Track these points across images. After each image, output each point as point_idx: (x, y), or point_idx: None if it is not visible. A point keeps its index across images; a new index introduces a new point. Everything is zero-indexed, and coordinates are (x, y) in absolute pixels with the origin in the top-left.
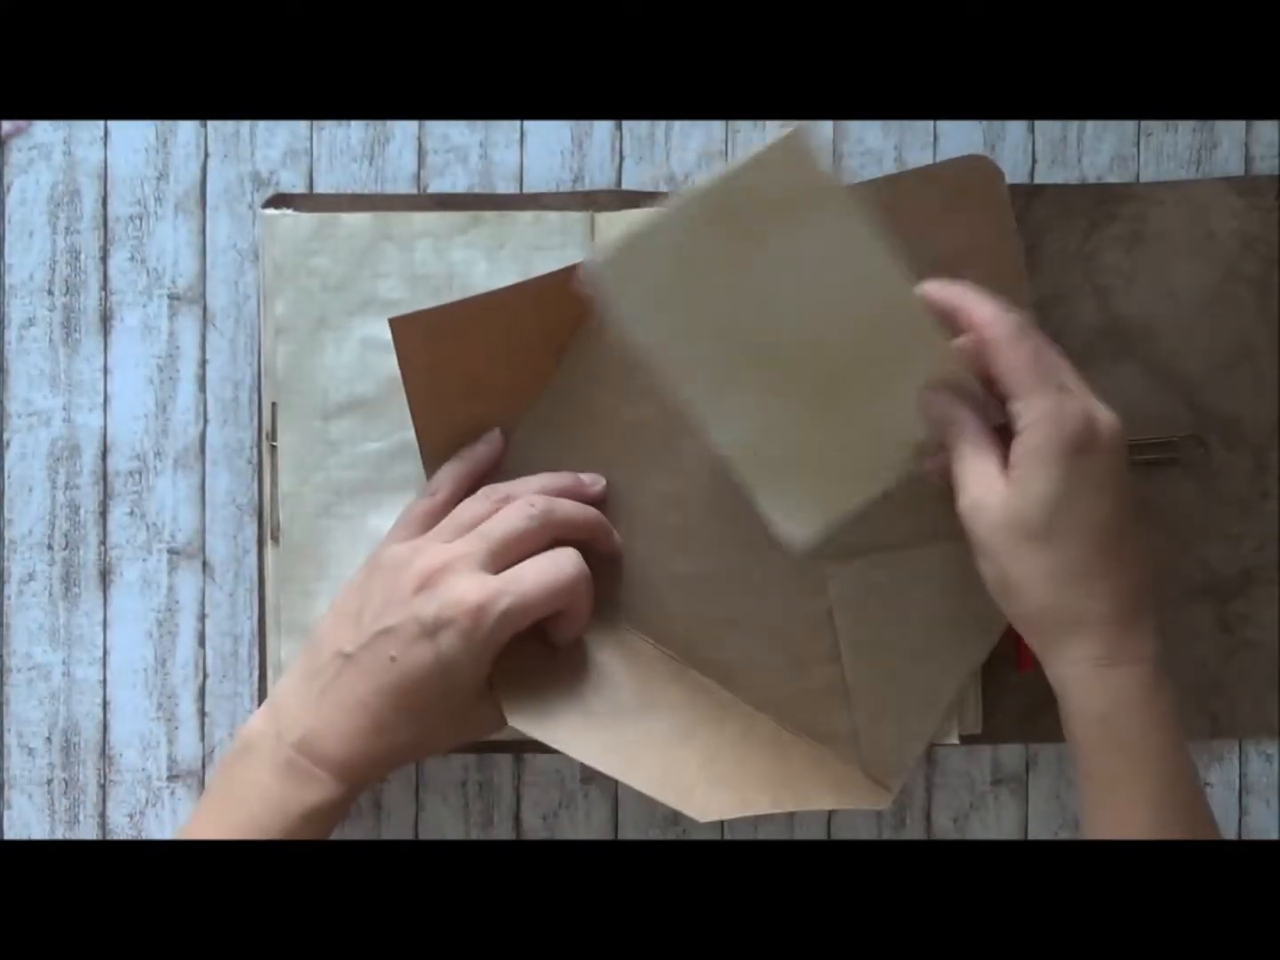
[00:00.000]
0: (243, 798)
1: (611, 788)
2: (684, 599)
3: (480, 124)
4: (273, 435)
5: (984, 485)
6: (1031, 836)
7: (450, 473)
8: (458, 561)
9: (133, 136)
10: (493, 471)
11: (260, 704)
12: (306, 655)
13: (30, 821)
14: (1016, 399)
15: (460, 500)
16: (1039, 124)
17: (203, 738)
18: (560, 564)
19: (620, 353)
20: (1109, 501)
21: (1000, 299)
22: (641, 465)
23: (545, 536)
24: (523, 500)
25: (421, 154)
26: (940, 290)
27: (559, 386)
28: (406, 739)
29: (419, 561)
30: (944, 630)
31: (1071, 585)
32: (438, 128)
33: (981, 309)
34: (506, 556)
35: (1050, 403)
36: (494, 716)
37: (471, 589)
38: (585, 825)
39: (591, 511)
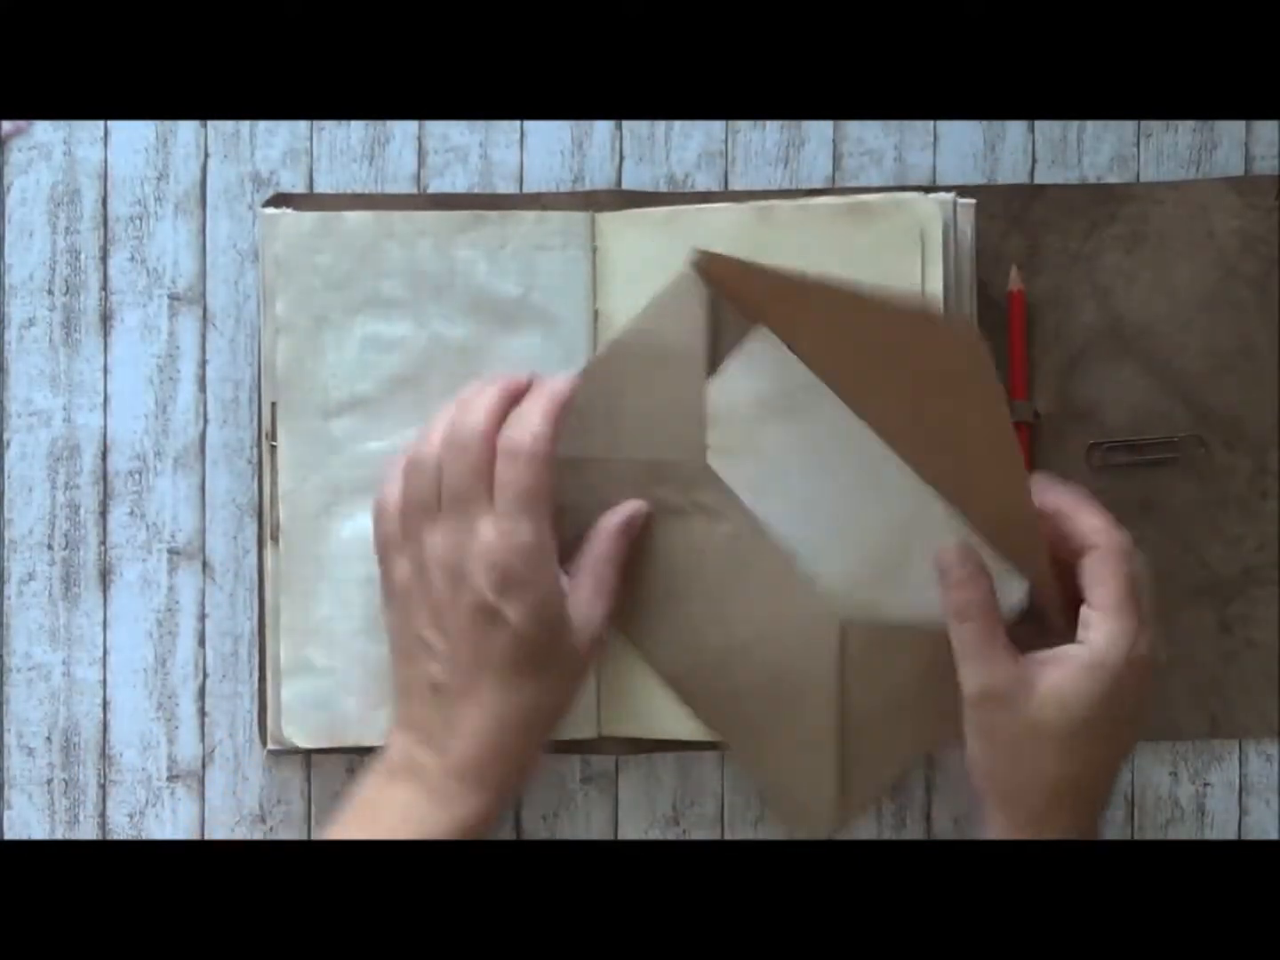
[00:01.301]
0: (393, 825)
1: (611, 788)
2: (687, 630)
3: (480, 124)
4: (273, 435)
5: (1000, 675)
6: None
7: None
8: (450, 532)
9: (133, 136)
10: None
11: (259, 706)
12: (408, 680)
13: (30, 821)
14: (1095, 610)
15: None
16: (1039, 124)
17: (203, 738)
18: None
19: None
20: (1128, 736)
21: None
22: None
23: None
24: (426, 449)
25: (421, 154)
26: (1048, 493)
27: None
28: (536, 716)
29: (433, 558)
30: (927, 699)
31: (1065, 800)
32: (438, 128)
33: (1092, 517)
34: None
35: (1129, 630)
36: (590, 637)
37: (483, 531)
38: (585, 825)
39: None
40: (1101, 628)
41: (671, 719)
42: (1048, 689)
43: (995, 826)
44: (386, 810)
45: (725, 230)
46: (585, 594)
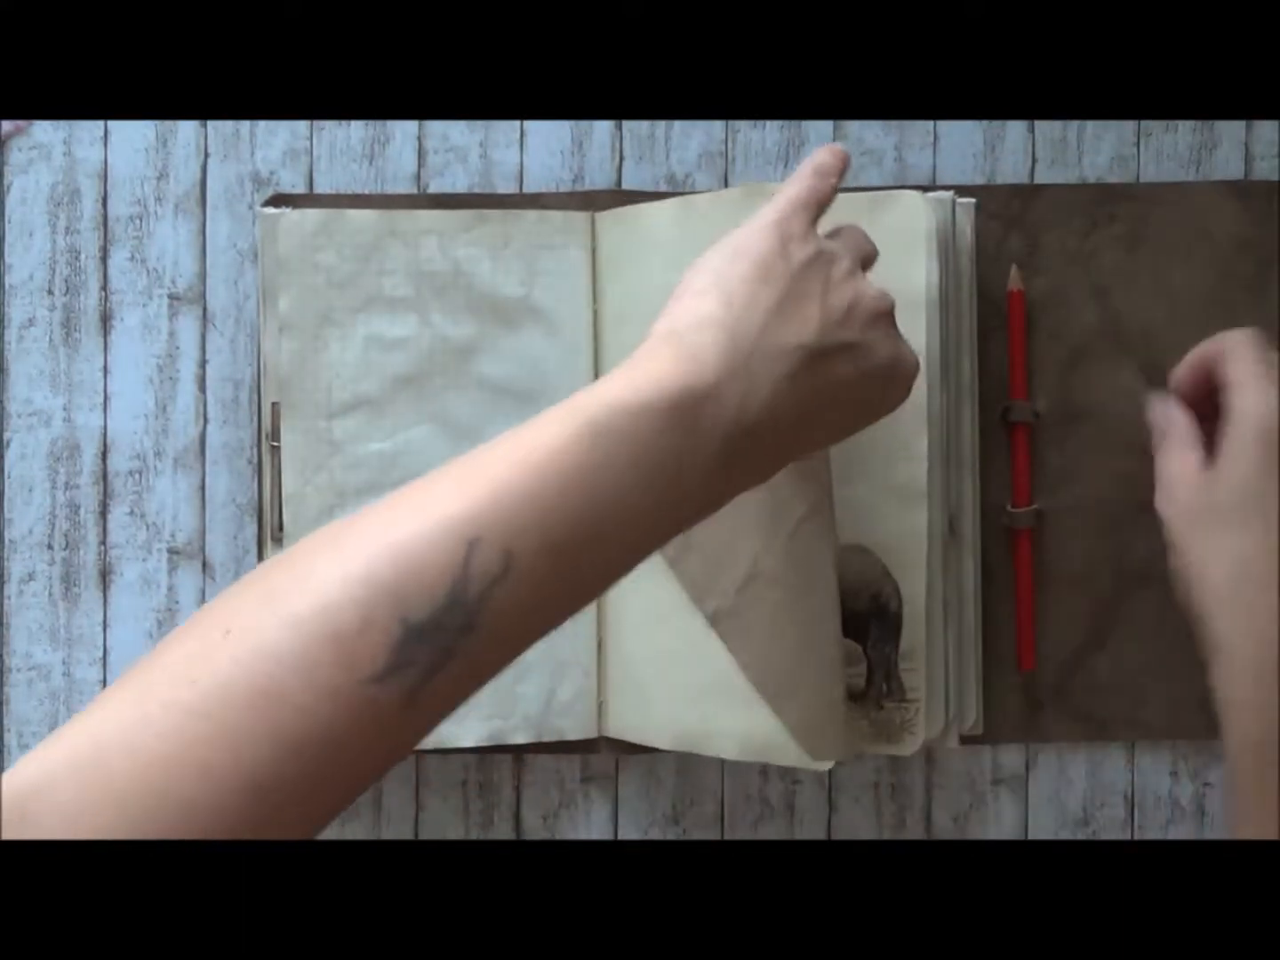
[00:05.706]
0: (674, 479)
1: (611, 788)
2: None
3: (480, 124)
4: (273, 435)
5: (1179, 477)
6: (1031, 836)
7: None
8: (866, 293)
9: (133, 136)
10: None
11: None
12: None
13: None
14: (1231, 389)
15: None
16: (1039, 124)
17: None
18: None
19: None
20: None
21: None
22: None
23: None
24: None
25: (421, 154)
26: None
27: None
28: (840, 436)
29: (852, 288)
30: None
31: (1251, 577)
32: (438, 128)
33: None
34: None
35: (1262, 395)
36: None
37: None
38: (585, 825)
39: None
40: (1235, 401)
41: (670, 719)
42: (1209, 473)
43: (1216, 663)
44: (673, 464)
45: (660, 225)
46: None
